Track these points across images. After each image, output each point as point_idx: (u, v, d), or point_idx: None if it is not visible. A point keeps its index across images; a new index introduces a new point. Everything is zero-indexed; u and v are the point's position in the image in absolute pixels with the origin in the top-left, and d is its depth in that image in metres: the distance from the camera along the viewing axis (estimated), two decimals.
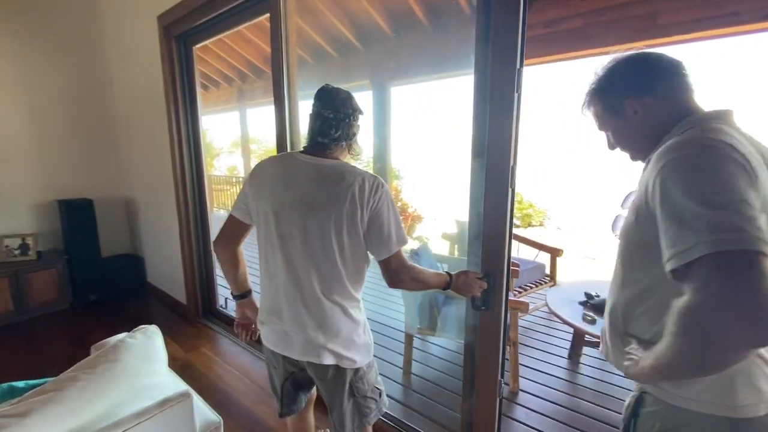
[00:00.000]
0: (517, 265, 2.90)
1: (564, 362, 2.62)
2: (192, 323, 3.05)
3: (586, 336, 2.54)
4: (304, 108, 2.09)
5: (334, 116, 1.07)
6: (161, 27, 2.66)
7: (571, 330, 2.71)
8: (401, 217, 1.11)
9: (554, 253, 3.26)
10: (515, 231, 2.62)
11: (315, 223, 1.04)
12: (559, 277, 3.32)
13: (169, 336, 2.84)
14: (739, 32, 2.40)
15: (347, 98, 1.11)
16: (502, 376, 1.48)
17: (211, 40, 2.55)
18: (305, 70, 4.76)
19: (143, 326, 1.22)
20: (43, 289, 3.20)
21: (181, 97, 2.75)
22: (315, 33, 4.73)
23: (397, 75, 4.96)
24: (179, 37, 2.64)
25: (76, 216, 3.33)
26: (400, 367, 2.50)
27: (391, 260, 1.06)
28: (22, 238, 3.13)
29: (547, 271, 3.35)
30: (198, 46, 2.67)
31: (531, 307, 2.52)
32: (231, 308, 3.11)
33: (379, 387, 1.25)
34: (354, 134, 1.14)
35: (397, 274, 1.08)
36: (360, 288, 1.15)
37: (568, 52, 3.13)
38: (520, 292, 3.00)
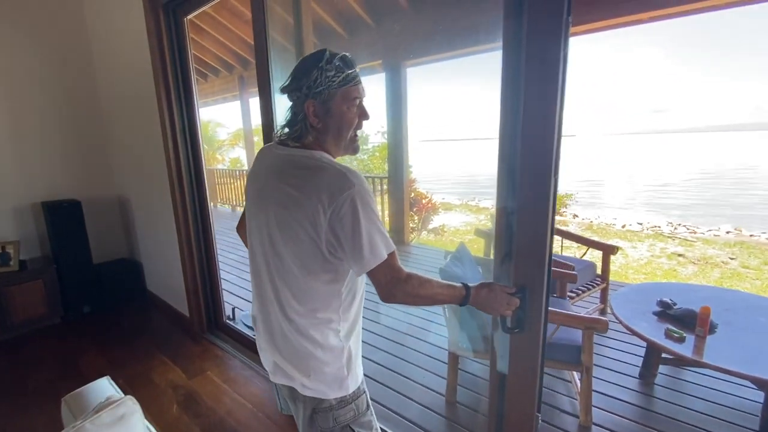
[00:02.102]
0: (572, 267, 2.49)
1: (633, 382, 2.22)
2: (196, 340, 2.68)
3: (663, 353, 2.14)
4: None
5: (289, 94, 0.88)
6: None
7: (642, 343, 2.31)
8: (380, 222, 0.82)
9: (608, 250, 2.83)
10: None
11: (269, 224, 0.89)
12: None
13: (170, 358, 2.47)
14: None
15: (306, 61, 0.84)
16: (539, 411, 1.15)
17: (206, 7, 2.11)
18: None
19: (115, 400, 0.82)
20: (29, 303, 2.83)
21: (173, 78, 2.32)
22: (320, 8, 4.27)
23: (413, 53, 4.48)
24: (167, 6, 2.20)
25: (63, 219, 2.94)
26: (440, 393, 2.12)
27: (376, 273, 0.82)
28: (2, 247, 2.75)
29: (598, 270, 2.94)
30: (190, 16, 2.23)
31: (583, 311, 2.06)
32: (239, 320, 2.73)
33: (357, 430, 0.94)
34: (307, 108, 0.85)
35: (388, 288, 0.83)
36: (331, 308, 0.89)
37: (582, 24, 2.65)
38: (572, 297, 2.59)
